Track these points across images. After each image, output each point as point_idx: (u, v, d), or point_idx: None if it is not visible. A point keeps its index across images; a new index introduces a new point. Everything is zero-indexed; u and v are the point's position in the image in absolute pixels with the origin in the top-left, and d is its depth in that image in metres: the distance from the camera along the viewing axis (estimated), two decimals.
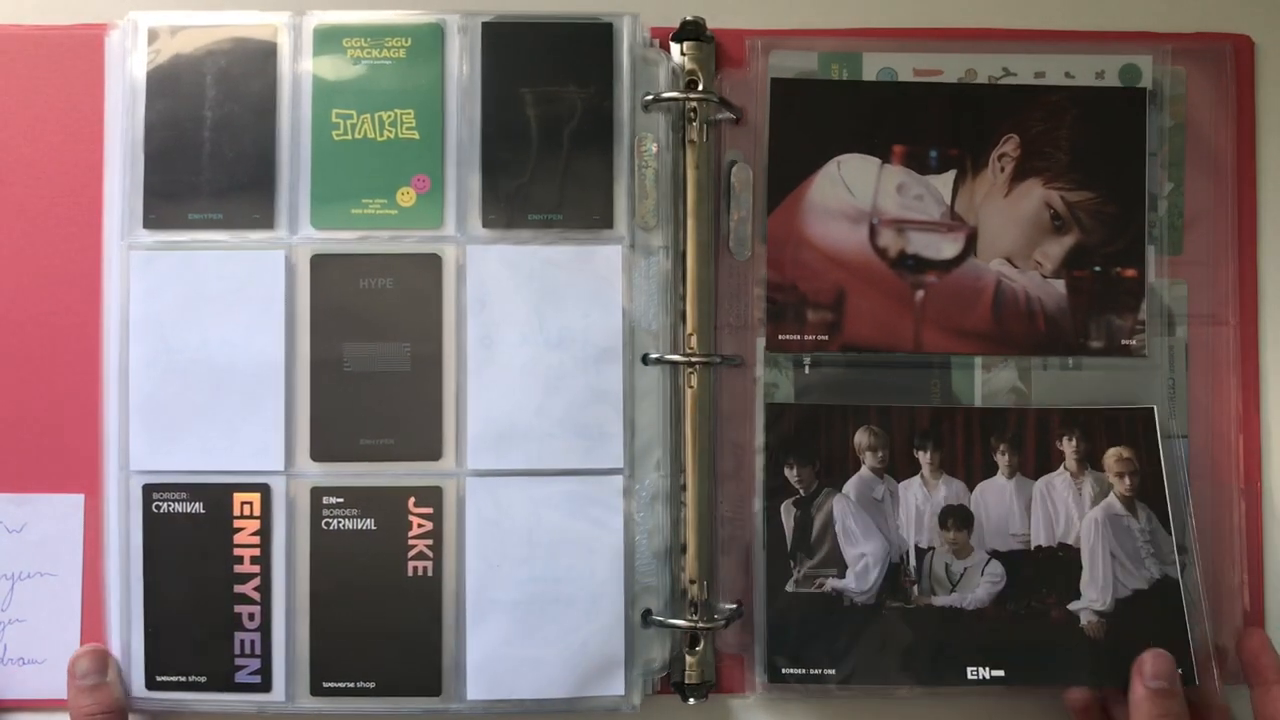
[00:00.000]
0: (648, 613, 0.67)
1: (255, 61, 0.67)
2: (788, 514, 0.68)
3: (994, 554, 0.68)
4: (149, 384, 0.66)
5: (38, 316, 0.68)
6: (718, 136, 0.69)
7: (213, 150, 0.67)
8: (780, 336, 0.69)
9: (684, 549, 0.68)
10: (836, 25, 0.71)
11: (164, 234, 0.67)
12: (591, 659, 0.66)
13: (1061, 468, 0.68)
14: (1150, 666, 0.64)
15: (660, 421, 0.68)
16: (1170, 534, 0.67)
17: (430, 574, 0.66)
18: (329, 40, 0.68)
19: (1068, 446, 0.68)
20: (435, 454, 0.67)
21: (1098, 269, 0.69)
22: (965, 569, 0.68)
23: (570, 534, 0.66)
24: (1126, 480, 0.68)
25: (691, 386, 0.68)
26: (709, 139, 0.69)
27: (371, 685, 0.66)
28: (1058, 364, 0.69)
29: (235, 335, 0.66)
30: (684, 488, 0.68)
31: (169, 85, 0.67)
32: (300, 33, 0.68)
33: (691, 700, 0.67)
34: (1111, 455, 0.68)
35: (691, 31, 0.69)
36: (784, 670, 0.66)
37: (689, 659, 0.67)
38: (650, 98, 0.68)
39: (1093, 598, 0.67)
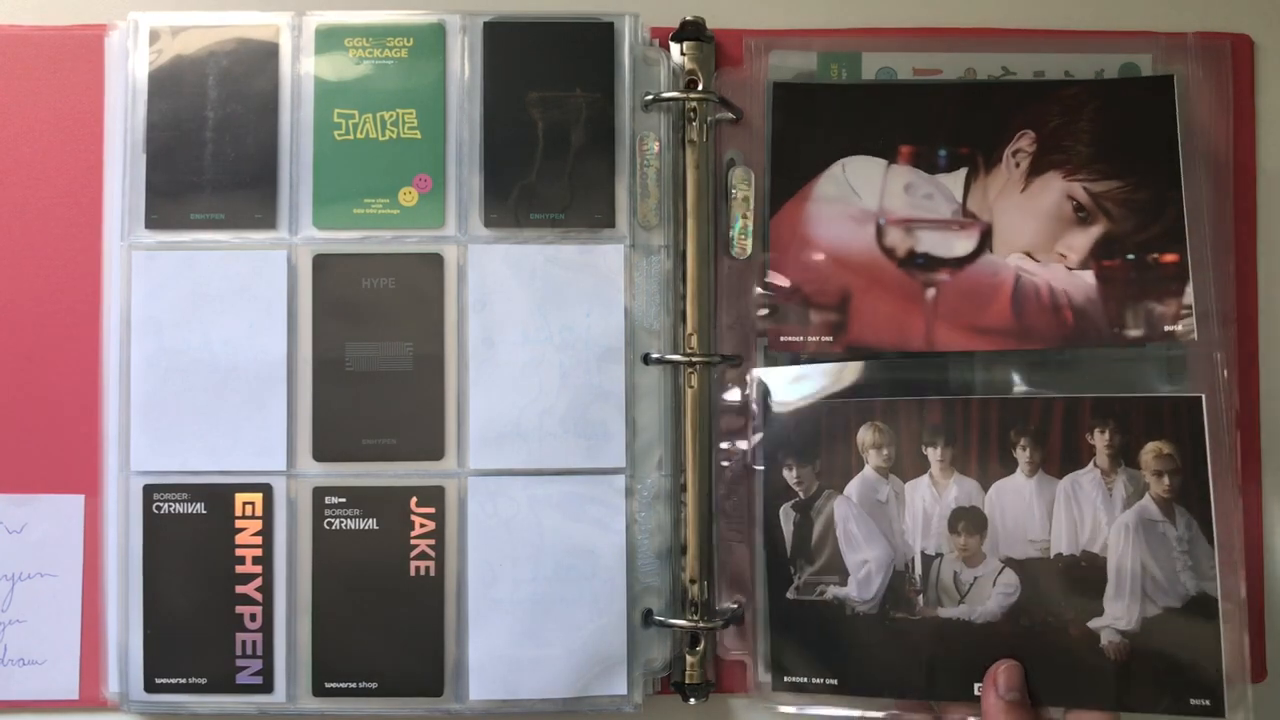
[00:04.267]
0: (649, 612, 0.67)
1: (257, 61, 0.67)
2: (787, 518, 0.66)
3: (1008, 562, 0.62)
4: (150, 384, 0.66)
5: (38, 316, 0.68)
6: (718, 136, 0.70)
7: (215, 150, 0.67)
8: (783, 338, 0.68)
9: (684, 549, 0.68)
10: (836, 25, 0.71)
11: (166, 234, 0.67)
12: (593, 659, 0.66)
13: (1091, 464, 0.62)
14: (1004, 679, 0.61)
15: (661, 421, 0.68)
16: (1213, 544, 0.61)
17: (432, 574, 0.66)
18: (330, 40, 0.68)
19: (1100, 440, 0.62)
20: (437, 453, 0.67)
21: (1130, 257, 0.66)
22: (976, 578, 0.63)
23: (572, 534, 0.66)
24: (1165, 480, 0.61)
25: (691, 386, 0.68)
26: (709, 139, 0.69)
27: (373, 686, 0.66)
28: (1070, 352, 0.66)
29: (237, 335, 0.66)
30: (684, 487, 0.68)
31: (171, 85, 0.67)
32: (302, 33, 0.68)
33: (692, 700, 0.67)
34: (1150, 451, 0.61)
35: (691, 31, 0.69)
36: (786, 679, 0.66)
37: (689, 659, 0.67)
38: (650, 97, 0.68)
39: (1117, 615, 0.61)
